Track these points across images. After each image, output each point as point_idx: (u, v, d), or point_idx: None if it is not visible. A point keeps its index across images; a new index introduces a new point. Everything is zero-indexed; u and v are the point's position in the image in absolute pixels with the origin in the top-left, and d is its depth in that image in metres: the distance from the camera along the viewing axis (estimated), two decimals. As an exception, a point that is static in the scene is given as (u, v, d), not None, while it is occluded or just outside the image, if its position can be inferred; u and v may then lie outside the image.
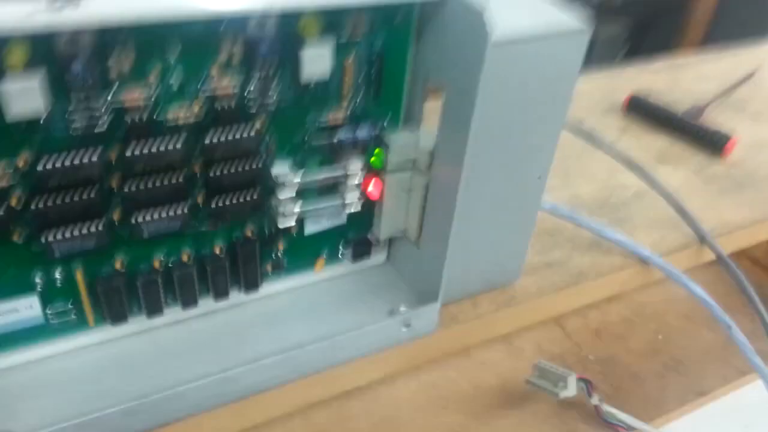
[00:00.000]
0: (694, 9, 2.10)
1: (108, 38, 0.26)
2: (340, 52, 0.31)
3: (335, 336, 0.35)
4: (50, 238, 0.29)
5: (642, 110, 0.63)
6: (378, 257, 0.42)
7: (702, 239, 0.49)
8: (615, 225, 0.50)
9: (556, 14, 0.33)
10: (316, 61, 0.29)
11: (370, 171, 0.36)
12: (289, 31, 0.29)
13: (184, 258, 0.34)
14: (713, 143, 0.59)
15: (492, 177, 0.36)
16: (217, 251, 0.35)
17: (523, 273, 0.43)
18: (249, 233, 0.35)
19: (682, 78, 0.73)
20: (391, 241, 0.42)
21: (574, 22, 0.33)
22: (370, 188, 0.37)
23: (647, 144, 0.61)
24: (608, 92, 0.69)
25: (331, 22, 0.30)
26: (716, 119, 0.64)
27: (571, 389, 0.39)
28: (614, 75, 0.73)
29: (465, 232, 0.35)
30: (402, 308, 0.39)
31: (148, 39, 0.27)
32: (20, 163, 0.27)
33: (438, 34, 0.32)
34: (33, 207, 0.28)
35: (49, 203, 0.28)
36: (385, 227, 0.39)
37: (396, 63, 0.33)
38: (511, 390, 0.43)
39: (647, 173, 0.49)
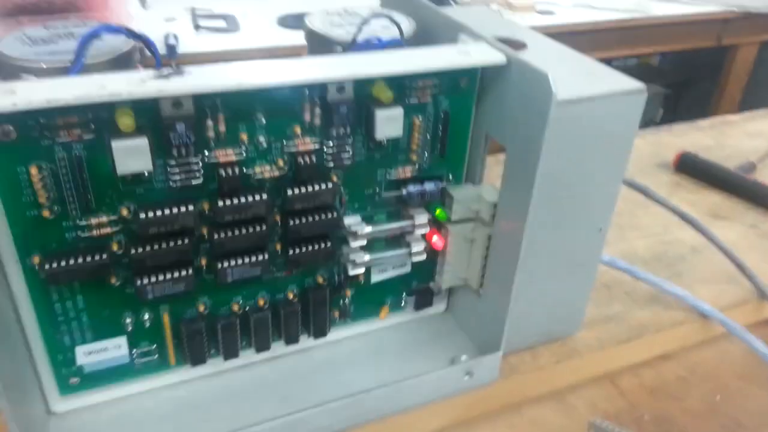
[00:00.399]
0: (730, 71, 2.11)
1: (206, 103, 0.29)
2: (410, 112, 0.34)
3: (397, 382, 0.36)
4: (145, 282, 0.31)
5: (692, 167, 0.64)
6: (438, 306, 0.43)
7: (762, 295, 0.49)
8: (672, 279, 0.50)
9: (613, 74, 0.35)
10: (389, 121, 0.32)
11: (435, 222, 0.38)
12: (364, 95, 0.32)
13: (261, 303, 0.36)
14: (768, 199, 0.59)
15: (554, 229, 0.37)
16: (291, 296, 0.37)
17: (582, 326, 0.44)
18: (320, 280, 0.37)
19: (729, 135, 0.74)
20: (450, 292, 0.43)
21: (632, 82, 0.34)
22: (435, 239, 0.38)
23: (700, 200, 0.61)
24: (657, 150, 0.69)
25: (403, 86, 0.33)
26: (770, 175, 0.64)
27: None
28: (661, 133, 0.74)
29: (527, 282, 0.36)
30: (464, 357, 0.40)
31: (241, 103, 0.29)
32: (124, 213, 0.30)
33: (501, 94, 0.34)
34: (132, 252, 0.30)
35: (147, 249, 0.30)
36: (447, 277, 0.40)
37: (460, 121, 0.36)
38: None
39: (703, 227, 0.50)
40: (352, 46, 0.35)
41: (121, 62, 0.31)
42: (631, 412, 0.46)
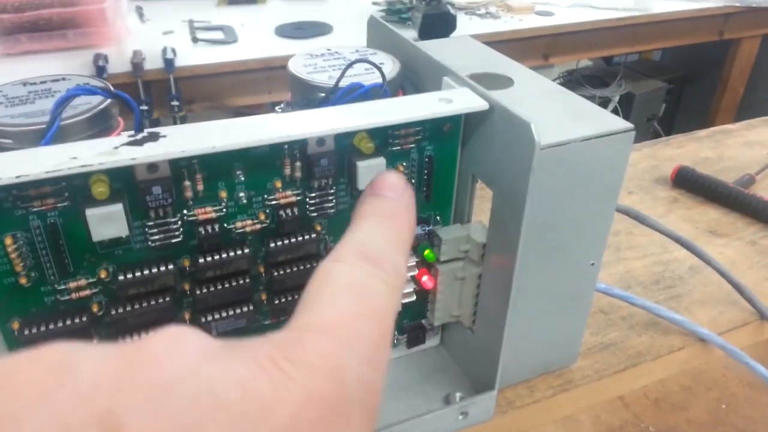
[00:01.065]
0: (732, 65, 2.09)
1: (183, 164, 0.28)
2: (394, 159, 0.33)
3: (392, 425, 0.36)
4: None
5: (690, 182, 0.63)
6: (432, 340, 0.43)
7: (762, 316, 0.48)
8: (671, 301, 0.50)
9: (600, 114, 0.35)
10: (372, 171, 0.31)
11: (424, 263, 0.38)
12: (345, 145, 0.31)
13: (248, 352, 0.36)
14: (767, 213, 0.58)
15: (545, 265, 0.36)
16: (279, 344, 0.36)
17: (579, 355, 0.43)
18: (308, 326, 0.37)
19: (728, 146, 0.73)
20: (444, 324, 0.43)
21: (620, 122, 0.34)
22: (425, 279, 0.38)
23: (698, 216, 0.60)
24: (654, 164, 0.69)
25: (385, 135, 0.32)
26: (770, 187, 0.63)
27: None
28: (659, 145, 0.73)
29: (520, 318, 0.36)
30: (458, 395, 0.40)
31: (219, 162, 0.29)
32: (102, 275, 0.29)
33: (485, 138, 0.33)
34: (113, 312, 0.30)
35: (128, 309, 0.30)
36: (439, 314, 0.40)
37: (445, 165, 0.35)
38: None
39: (700, 250, 0.49)
40: (334, 92, 0.34)
41: (99, 118, 0.31)
42: (636, 424, 0.45)
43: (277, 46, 1.53)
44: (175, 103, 1.55)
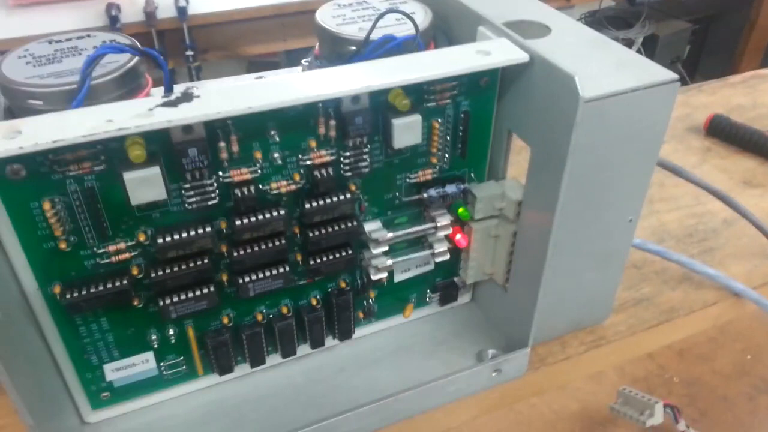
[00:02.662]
0: (762, 4, 2.01)
1: (218, 125, 0.28)
2: (429, 116, 0.32)
3: (427, 383, 0.36)
4: (167, 302, 0.31)
5: (724, 130, 0.61)
6: (463, 297, 0.43)
7: (798, 269, 0.48)
8: (704, 255, 0.49)
9: (643, 64, 0.33)
10: (407, 129, 0.30)
11: (458, 221, 0.37)
12: (380, 102, 0.30)
13: (284, 311, 0.36)
14: (806, 162, 0.57)
15: (583, 222, 0.36)
16: (314, 303, 0.36)
17: (611, 311, 0.43)
18: (343, 284, 0.37)
19: (763, 91, 0.70)
20: (475, 282, 0.42)
21: (664, 72, 0.32)
22: (458, 237, 0.37)
23: (733, 166, 0.59)
24: (686, 112, 0.67)
25: (420, 91, 0.31)
26: (808, 135, 0.61)
27: (657, 417, 0.39)
28: (691, 91, 0.71)
29: (555, 275, 0.35)
30: (491, 352, 0.40)
31: (253, 123, 0.28)
32: (141, 238, 0.29)
33: (524, 91, 0.32)
34: (153, 275, 0.30)
35: (167, 271, 0.30)
36: (472, 272, 0.39)
37: (481, 121, 0.34)
38: (593, 415, 0.42)
39: (735, 203, 0.48)
40: (366, 46, 0.33)
41: (129, 77, 0.30)
42: (661, 375, 0.45)
43: (290, -9, 1.49)
44: (189, 52, 1.53)
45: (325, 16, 0.36)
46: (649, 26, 2.22)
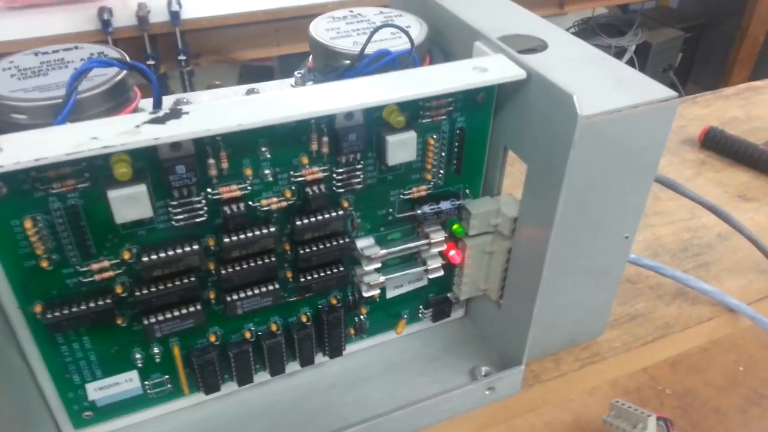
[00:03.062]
0: (753, 13, 2.02)
1: (207, 141, 0.27)
2: (424, 132, 0.32)
3: (419, 402, 0.36)
4: (152, 321, 0.30)
5: (719, 143, 0.61)
6: (456, 313, 0.42)
7: (793, 285, 0.47)
8: (699, 269, 0.49)
9: (642, 81, 0.33)
10: (402, 146, 0.30)
11: (452, 237, 0.36)
12: (374, 118, 0.30)
13: (273, 328, 0.35)
14: (800, 177, 0.57)
15: (579, 239, 0.35)
16: (304, 320, 0.36)
17: (606, 326, 0.43)
18: (334, 301, 0.36)
19: (757, 104, 0.70)
20: (468, 298, 0.42)
21: (663, 90, 0.32)
22: (452, 253, 0.37)
23: (727, 179, 0.59)
24: (681, 123, 0.66)
25: (416, 107, 0.31)
26: (802, 149, 0.61)
27: (650, 430, 0.38)
28: (686, 103, 0.71)
29: (550, 292, 0.35)
30: (484, 369, 0.39)
31: (243, 139, 0.28)
32: (126, 256, 0.28)
33: (520, 108, 0.32)
34: (137, 293, 0.29)
35: (153, 290, 0.29)
36: (465, 289, 0.39)
37: (477, 137, 0.33)
38: (585, 428, 0.42)
39: (730, 217, 0.48)
40: (360, 60, 0.32)
41: (116, 90, 0.29)
42: (653, 387, 0.45)
43: (284, -4, 1.49)
44: (181, 57, 1.52)
45: (318, 29, 0.35)
46: (641, 34, 2.23)
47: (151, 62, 1.39)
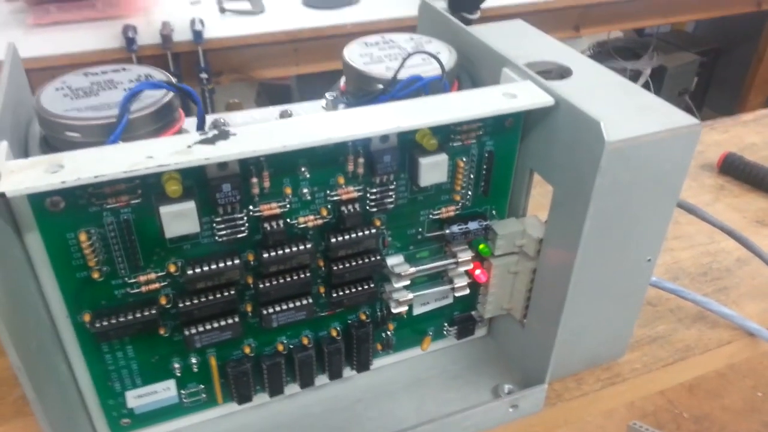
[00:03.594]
0: (767, 38, 2.03)
1: (251, 161, 0.28)
2: (454, 155, 0.33)
3: (444, 417, 0.36)
4: (193, 332, 0.31)
5: (738, 169, 0.62)
6: (480, 331, 0.43)
7: (813, 310, 0.48)
8: (718, 293, 0.49)
9: (664, 108, 0.34)
10: (434, 168, 0.31)
11: (478, 256, 0.37)
12: (407, 140, 0.31)
13: (305, 341, 0.36)
14: (819, 203, 0.57)
15: (603, 261, 0.36)
16: (334, 334, 0.37)
17: (627, 348, 0.43)
18: (363, 317, 0.37)
19: (778, 129, 0.71)
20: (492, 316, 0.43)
21: (686, 117, 0.33)
22: (478, 272, 0.38)
23: (746, 205, 0.59)
24: (700, 149, 0.67)
25: (447, 131, 0.32)
26: (820, 175, 0.62)
27: None
28: (704, 129, 0.71)
29: (574, 313, 0.36)
30: (507, 387, 0.40)
31: (285, 160, 0.29)
32: (171, 269, 0.30)
33: (548, 133, 0.33)
34: (180, 305, 0.30)
35: (195, 302, 0.30)
36: (490, 307, 0.40)
37: (504, 159, 0.35)
38: None
39: (749, 242, 0.48)
40: (393, 84, 0.34)
41: (164, 111, 0.31)
42: (670, 410, 0.45)
43: (304, 17, 1.52)
44: (203, 75, 1.55)
45: (352, 54, 0.37)
46: (657, 58, 2.24)
47: (174, 80, 1.41)
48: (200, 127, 0.32)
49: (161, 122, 0.31)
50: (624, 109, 0.34)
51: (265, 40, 1.54)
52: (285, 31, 1.56)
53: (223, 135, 0.27)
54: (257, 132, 0.27)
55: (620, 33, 2.45)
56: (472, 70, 0.39)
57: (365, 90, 0.36)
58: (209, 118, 0.36)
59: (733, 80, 2.28)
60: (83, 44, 1.36)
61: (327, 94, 0.40)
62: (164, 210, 0.27)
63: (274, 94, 2.04)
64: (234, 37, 1.55)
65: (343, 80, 0.39)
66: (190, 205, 0.27)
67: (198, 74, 1.54)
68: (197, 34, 1.49)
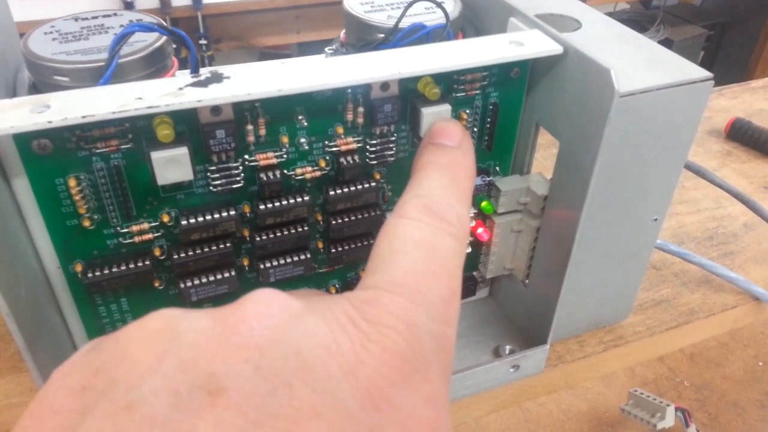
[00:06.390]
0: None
1: (246, 107, 0.27)
2: (457, 106, 0.32)
3: (444, 376, 0.36)
4: (188, 285, 0.30)
5: (745, 134, 0.60)
6: (481, 292, 0.43)
7: (819, 275, 0.47)
8: (724, 258, 0.49)
9: (676, 61, 0.33)
10: (437, 118, 0.30)
11: (480, 214, 0.37)
12: (409, 89, 0.30)
13: (302, 299, 0.35)
14: (828, 169, 0.56)
15: (609, 220, 0.35)
16: (333, 291, 0.36)
17: (630, 311, 0.43)
18: (362, 274, 0.36)
19: (788, 95, 0.70)
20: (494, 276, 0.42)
21: (698, 70, 0.32)
22: (480, 231, 0.37)
23: (753, 171, 0.58)
24: (707, 114, 0.66)
25: (450, 80, 0.31)
26: (830, 141, 0.60)
27: (669, 420, 0.39)
28: (712, 95, 0.70)
29: (577, 273, 0.35)
30: (507, 347, 0.39)
31: (281, 106, 0.28)
32: (165, 219, 0.29)
33: (555, 84, 0.32)
34: (175, 257, 0.30)
35: (190, 254, 0.30)
36: (492, 267, 0.39)
37: (509, 113, 0.34)
38: (602, 416, 0.42)
39: (757, 206, 0.47)
40: (394, 33, 0.33)
41: (156, 56, 0.30)
42: (671, 378, 0.45)
43: (307, -16, 1.49)
44: (202, 41, 1.52)
45: (353, 3, 0.35)
46: (663, 30, 2.21)
47: (174, 46, 1.39)
48: (194, 72, 0.31)
49: (153, 67, 0.30)
50: (635, 61, 0.33)
51: (265, 6, 1.52)
52: (285, -5, 1.53)
53: (217, 78, 0.26)
54: (252, 75, 0.26)
55: (627, 5, 2.41)
56: (476, 20, 0.37)
57: (366, 39, 0.35)
58: (205, 70, 0.35)
59: (740, 55, 2.25)
60: (81, 7, 1.34)
61: (326, 49, 0.39)
62: (156, 155, 0.26)
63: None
64: (233, 2, 1.53)
65: (343, 32, 0.37)
66: (183, 151, 0.26)
67: (197, 41, 1.52)
68: (197, 1, 1.46)
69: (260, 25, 1.67)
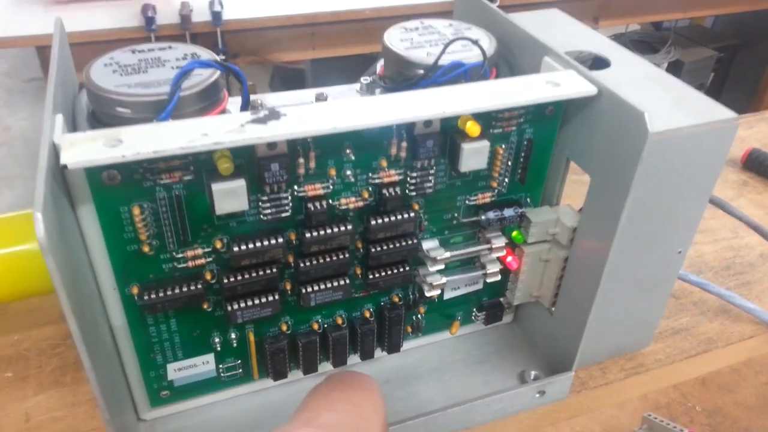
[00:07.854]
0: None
1: (299, 142, 0.29)
2: (494, 142, 0.33)
3: (473, 400, 0.37)
4: (235, 308, 0.32)
5: (762, 164, 0.62)
6: (506, 318, 0.44)
7: (835, 307, 0.48)
8: (741, 288, 0.50)
9: (703, 101, 0.34)
10: (475, 154, 0.32)
11: (510, 243, 0.38)
12: (450, 126, 0.32)
13: (339, 321, 0.37)
14: (844, 201, 0.57)
15: (636, 252, 0.36)
16: (367, 315, 0.37)
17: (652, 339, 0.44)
18: (396, 299, 0.38)
19: (803, 126, 0.71)
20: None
21: (724, 111, 0.33)
22: (509, 259, 0.38)
23: (770, 200, 0.59)
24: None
25: (488, 117, 0.32)
26: None
27: None
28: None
29: (604, 302, 0.36)
30: (533, 373, 0.40)
31: (332, 142, 0.30)
32: (218, 245, 0.30)
33: (588, 122, 0.33)
34: (225, 281, 0.31)
35: (239, 278, 0.31)
36: (519, 294, 0.40)
37: (542, 148, 0.35)
38: None
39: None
40: (434, 70, 0.34)
41: (211, 90, 0.31)
42: (683, 403, 0.46)
43: (322, 1, 1.51)
44: (221, 57, 1.54)
45: (393, 39, 0.37)
46: (674, 52, 2.22)
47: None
48: (244, 107, 0.33)
49: (207, 101, 0.31)
50: (663, 100, 0.34)
51: (282, 22, 1.54)
52: (303, 14, 1.56)
53: (275, 115, 0.27)
54: (307, 113, 0.28)
55: (638, 26, 2.43)
56: (510, 57, 0.39)
57: (405, 75, 0.36)
58: (255, 102, 0.37)
59: (750, 77, 2.26)
60: (101, 23, 1.36)
61: (362, 78, 0.41)
62: (216, 187, 0.27)
63: (288, 77, 2.04)
64: (252, 19, 1.55)
65: (380, 64, 0.39)
66: (241, 183, 0.28)
67: (216, 55, 1.53)
68: (216, 15, 1.49)
69: (277, 41, 1.69)
